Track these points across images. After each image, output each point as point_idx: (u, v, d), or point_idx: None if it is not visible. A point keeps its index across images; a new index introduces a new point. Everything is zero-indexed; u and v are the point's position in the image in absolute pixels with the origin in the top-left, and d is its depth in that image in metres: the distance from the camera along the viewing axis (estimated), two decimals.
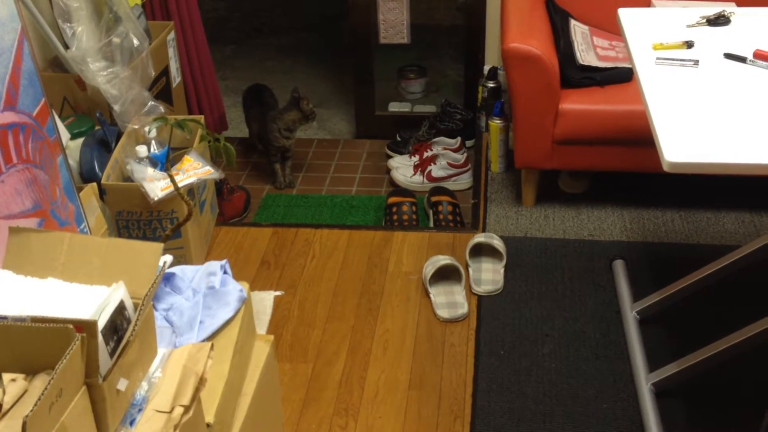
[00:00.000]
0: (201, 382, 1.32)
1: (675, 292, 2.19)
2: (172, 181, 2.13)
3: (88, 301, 1.24)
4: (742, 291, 2.27)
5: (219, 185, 2.86)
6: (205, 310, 1.69)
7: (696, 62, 1.82)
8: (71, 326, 1.09)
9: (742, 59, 1.82)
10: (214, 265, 1.77)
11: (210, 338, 1.66)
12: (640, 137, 2.41)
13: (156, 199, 2.24)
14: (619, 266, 2.43)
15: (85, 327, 1.11)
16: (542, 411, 2.02)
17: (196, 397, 1.30)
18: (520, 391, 2.08)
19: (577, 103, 2.56)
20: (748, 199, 2.72)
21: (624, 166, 2.64)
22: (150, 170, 2.32)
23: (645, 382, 2.02)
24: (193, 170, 2.33)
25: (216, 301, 1.70)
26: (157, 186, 2.26)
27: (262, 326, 2.31)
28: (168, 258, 1.71)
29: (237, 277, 2.48)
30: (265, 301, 2.40)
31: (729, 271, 2.15)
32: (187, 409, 1.27)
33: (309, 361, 2.20)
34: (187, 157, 2.38)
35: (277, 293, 2.44)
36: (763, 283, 2.28)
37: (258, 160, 3.27)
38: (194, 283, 1.76)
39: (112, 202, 2.32)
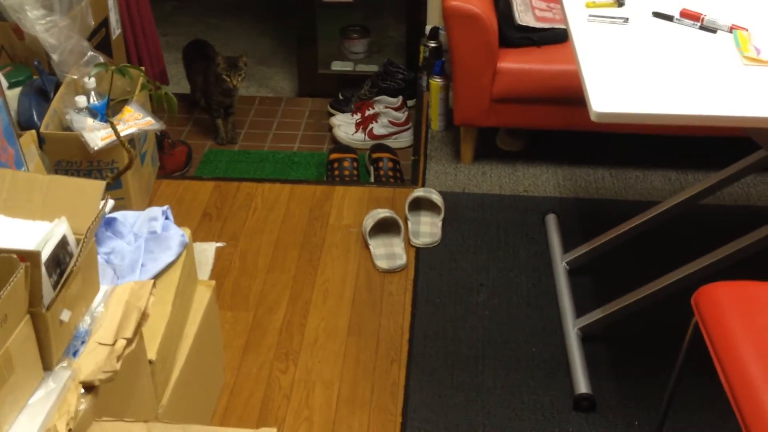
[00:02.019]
0: (143, 317, 1.35)
1: (602, 244, 2.29)
2: (113, 128, 2.14)
3: (31, 235, 1.26)
4: (663, 242, 2.39)
5: (160, 139, 2.86)
6: (146, 253, 1.72)
7: (626, 20, 1.90)
8: (15, 256, 1.12)
9: (669, 18, 1.90)
10: (156, 211, 1.80)
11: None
12: (575, 96, 2.48)
13: (96, 148, 2.25)
14: (551, 220, 2.52)
15: (29, 257, 1.13)
16: (475, 355, 2.10)
17: (138, 331, 1.34)
18: (454, 336, 2.16)
19: (514, 62, 2.62)
20: (674, 159, 2.84)
21: (559, 124, 2.72)
22: (90, 120, 2.32)
23: (572, 327, 2.12)
24: (134, 120, 2.34)
25: (158, 245, 1.73)
26: (97, 136, 2.26)
27: (203, 276, 2.34)
28: (109, 202, 1.73)
29: None
30: (206, 251, 2.43)
31: (652, 224, 2.26)
32: (129, 341, 1.30)
33: (250, 309, 2.25)
34: (127, 108, 2.38)
35: (219, 244, 2.47)
36: (683, 235, 2.40)
37: (200, 116, 3.27)
38: (136, 227, 1.79)
39: (52, 151, 2.31)
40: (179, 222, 2.54)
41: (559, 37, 2.68)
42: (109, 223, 1.76)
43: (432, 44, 3.17)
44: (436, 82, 2.99)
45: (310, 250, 2.46)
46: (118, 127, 2.30)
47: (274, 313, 2.24)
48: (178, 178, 2.80)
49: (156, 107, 2.47)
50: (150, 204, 2.63)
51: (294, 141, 3.18)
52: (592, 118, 1.59)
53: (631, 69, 1.73)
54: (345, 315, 2.23)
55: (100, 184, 1.36)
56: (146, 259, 1.71)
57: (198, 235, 2.50)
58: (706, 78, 1.69)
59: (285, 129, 3.25)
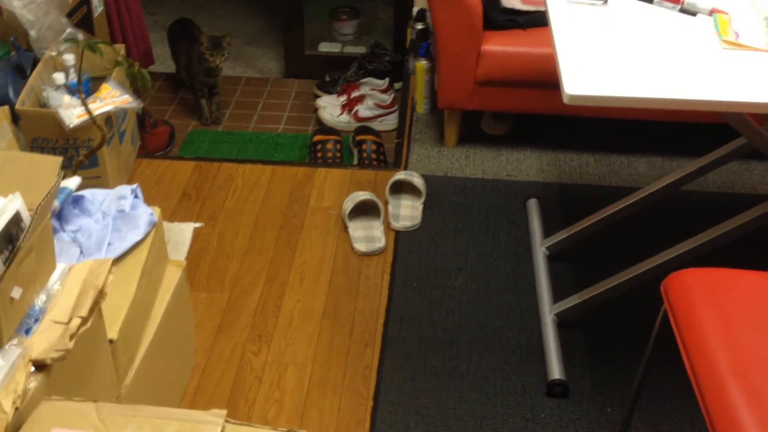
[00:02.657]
0: (100, 295, 1.33)
1: (582, 229, 2.27)
2: (84, 105, 2.11)
3: None
4: (644, 228, 2.37)
5: (141, 118, 2.83)
6: (114, 232, 1.70)
7: (605, 1, 1.87)
8: None
9: (649, 0, 1.87)
10: (125, 189, 1.78)
11: (118, 260, 1.67)
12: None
13: (71, 126, 2.22)
14: (532, 205, 2.49)
15: None
16: (450, 339, 2.08)
17: (94, 309, 1.32)
18: (430, 320, 2.14)
19: (498, 45, 2.59)
20: (660, 145, 2.81)
21: (543, 108, 2.69)
22: (66, 97, 2.29)
23: (548, 313, 2.10)
24: (111, 98, 2.31)
25: (125, 224, 1.71)
26: (72, 113, 2.24)
27: (180, 257, 2.32)
28: (76, 179, 1.71)
29: (158, 209, 2.50)
30: (184, 232, 2.41)
31: (633, 209, 2.24)
32: (84, 320, 1.28)
33: (225, 291, 2.23)
34: (105, 86, 2.35)
35: (197, 225, 2.45)
36: (665, 222, 2.38)
37: (185, 95, 3.24)
38: (104, 206, 1.77)
39: (27, 128, 2.29)
40: (158, 202, 2.53)
41: (544, 20, 2.62)
42: (77, 200, 1.74)
43: (419, 26, 3.13)
44: (422, 64, 2.96)
45: (288, 232, 2.44)
46: (95, 105, 2.28)
47: (250, 295, 2.22)
48: (159, 157, 2.77)
49: (133, 84, 2.43)
50: (129, 183, 2.60)
51: (279, 122, 3.15)
52: (565, 100, 1.57)
53: (608, 51, 1.70)
54: (321, 297, 2.21)
55: (57, 160, 1.33)
56: (113, 238, 1.69)
57: (176, 215, 2.48)
58: (683, 61, 1.66)
59: (270, 110, 3.22)
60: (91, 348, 1.38)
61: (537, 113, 2.76)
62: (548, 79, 2.55)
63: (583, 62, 1.64)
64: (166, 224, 2.41)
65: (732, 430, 1.21)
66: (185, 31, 3.19)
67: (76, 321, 1.28)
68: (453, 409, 1.91)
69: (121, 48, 2.53)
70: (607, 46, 1.72)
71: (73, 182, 1.70)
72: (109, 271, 1.37)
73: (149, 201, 2.52)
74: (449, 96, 2.70)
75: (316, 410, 1.91)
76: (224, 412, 1.15)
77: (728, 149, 2.12)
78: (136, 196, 1.78)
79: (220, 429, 1.13)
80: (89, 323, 1.29)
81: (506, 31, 2.64)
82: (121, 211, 1.74)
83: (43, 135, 2.29)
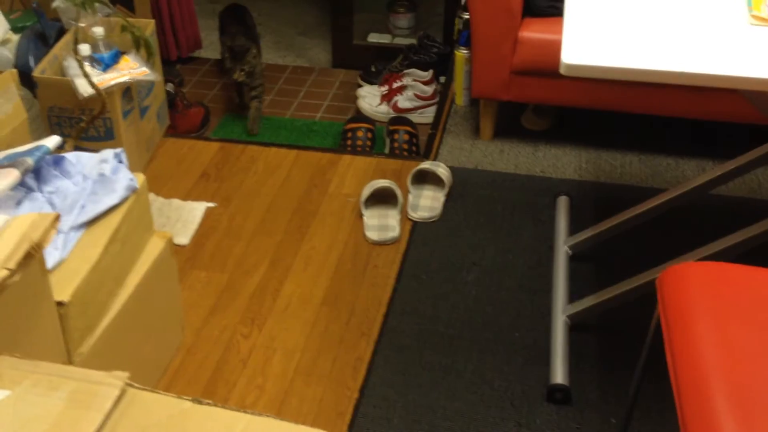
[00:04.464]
0: (36, 248, 1.27)
1: (606, 230, 2.10)
2: (81, 67, 2.08)
3: None
4: (670, 231, 2.18)
5: (172, 97, 2.80)
6: (90, 195, 1.64)
7: None
8: None
9: None
10: (108, 153, 1.73)
11: (89, 223, 1.61)
12: None
13: (86, 95, 2.20)
14: (562, 202, 2.33)
15: None
16: (450, 335, 1.95)
17: (26, 263, 1.25)
18: (433, 314, 2.01)
19: (537, 32, 2.45)
20: (712, 148, 2.60)
21: (584, 102, 2.53)
22: (86, 67, 2.27)
23: (561, 314, 1.94)
24: (129, 70, 2.28)
25: (102, 188, 1.66)
26: (88, 83, 2.21)
27: (187, 235, 2.27)
28: (55, 138, 1.67)
29: (174, 188, 2.47)
30: (195, 211, 2.35)
31: (660, 211, 2.06)
32: (11, 272, 1.22)
33: (226, 271, 2.16)
34: (125, 57, 2.33)
35: (210, 205, 2.39)
36: (692, 225, 2.19)
37: (228, 81, 3.19)
38: (86, 169, 1.71)
39: (44, 96, 2.28)
40: (176, 181, 2.50)
41: None
42: (58, 161, 1.69)
43: (466, 15, 3.00)
44: (462, 53, 2.83)
45: (301, 217, 2.35)
46: (111, 74, 2.25)
47: (250, 277, 2.14)
48: (185, 137, 2.73)
49: (137, 50, 2.38)
50: (151, 160, 2.57)
51: (318, 111, 3.08)
52: (561, 71, 1.44)
53: (617, 23, 1.54)
54: (323, 284, 2.11)
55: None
56: (88, 201, 1.63)
57: (191, 195, 2.43)
58: (703, 35, 1.49)
59: (311, 98, 3.15)
60: (29, 306, 1.32)
61: (578, 107, 2.59)
62: None
63: (589, 33, 1.50)
64: (177, 203, 2.37)
65: (706, 428, 1.05)
66: (236, 17, 3.13)
67: (3, 273, 1.21)
68: (442, 408, 1.77)
69: (149, 23, 2.50)
70: (623, 16, 1.56)
71: (51, 141, 1.66)
72: (51, 225, 1.30)
73: (167, 179, 2.50)
74: (484, 85, 2.57)
75: (297, 398, 1.81)
76: (126, 374, 1.06)
77: (757, 154, 1.92)
78: (120, 161, 1.72)
79: (118, 392, 1.04)
80: (17, 276, 1.23)
81: (547, 18, 2.49)
82: (102, 175, 1.68)
83: (59, 104, 2.27)
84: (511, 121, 2.76)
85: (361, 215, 2.34)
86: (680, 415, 1.11)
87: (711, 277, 1.28)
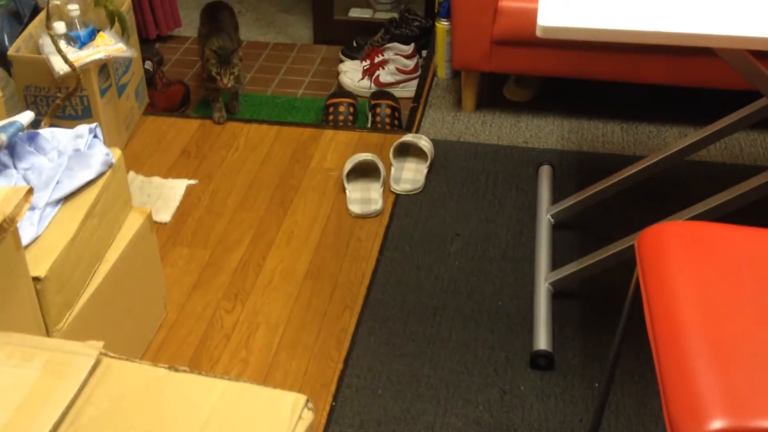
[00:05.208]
0: (8, 222, 1.25)
1: (588, 197, 2.10)
2: (54, 42, 2.05)
3: None
4: (651, 198, 2.19)
5: (151, 75, 2.78)
6: (66, 171, 1.63)
7: None
8: None
9: None
10: (83, 128, 1.71)
11: (65, 199, 1.60)
12: (583, 41, 2.29)
13: (61, 73, 2.17)
14: (544, 171, 2.33)
15: None
16: (434, 305, 1.95)
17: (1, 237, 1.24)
18: (417, 285, 2.01)
19: (517, 1, 2.43)
20: (694, 115, 2.60)
21: (566, 71, 2.52)
22: (63, 45, 2.24)
23: (543, 281, 1.94)
24: (104, 46, 2.25)
25: (78, 163, 1.64)
26: (63, 60, 2.18)
27: (168, 212, 2.25)
28: (28, 114, 1.65)
29: (154, 166, 2.45)
30: (176, 188, 2.34)
31: (644, 175, 2.05)
32: None
33: (208, 248, 2.14)
34: (101, 34, 2.30)
35: (191, 182, 2.37)
36: (674, 189, 2.19)
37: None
38: (62, 145, 1.70)
39: (20, 75, 2.26)
40: (156, 158, 2.49)
41: None
42: (33, 138, 1.67)
43: None
44: (443, 25, 2.81)
45: (284, 192, 2.34)
46: (87, 51, 2.22)
47: (233, 252, 2.13)
48: (165, 115, 2.71)
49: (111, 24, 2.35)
50: (130, 138, 2.55)
51: (299, 87, 3.06)
52: (538, 33, 1.42)
53: None
54: (306, 258, 2.10)
55: None
56: (63, 176, 1.61)
57: (172, 172, 2.41)
58: None
59: (292, 75, 3.13)
60: (4, 281, 1.31)
61: (559, 77, 2.58)
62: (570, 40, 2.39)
63: None
64: (158, 180, 2.36)
65: (684, 384, 1.05)
66: (217, 16, 2.80)
67: None
68: (426, 376, 1.77)
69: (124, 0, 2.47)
70: None
71: (24, 117, 1.64)
72: (24, 199, 1.29)
73: (147, 157, 2.49)
74: (465, 56, 2.55)
75: (282, 371, 1.80)
76: (101, 344, 1.05)
77: (738, 116, 1.92)
78: (95, 136, 1.71)
79: (93, 361, 1.03)
80: None
81: None
82: (77, 151, 1.67)
83: (35, 83, 2.25)
84: (494, 93, 2.75)
85: (343, 189, 2.33)
86: (659, 374, 1.11)
87: (689, 236, 1.27)
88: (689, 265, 1.23)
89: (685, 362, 1.09)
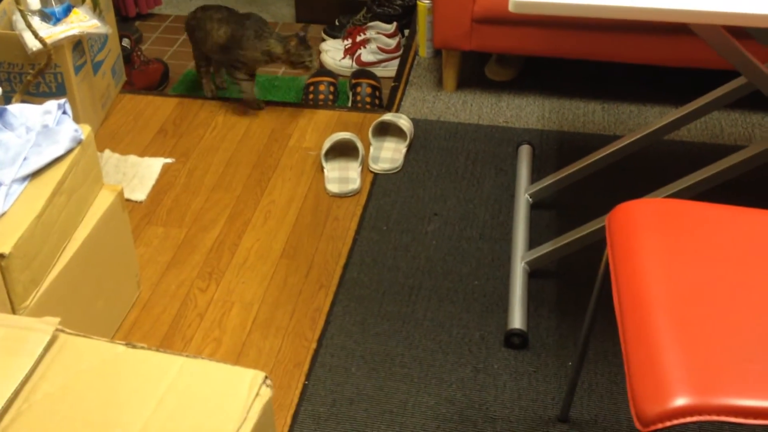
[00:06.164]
0: None
1: (566, 176, 2.09)
2: (25, 19, 2.02)
3: None
4: (634, 176, 2.17)
5: (128, 53, 2.74)
6: (34, 147, 1.60)
7: None
8: None
9: None
10: (51, 104, 1.68)
11: (33, 175, 1.57)
12: (566, 19, 2.28)
13: (34, 49, 2.14)
14: (524, 151, 2.31)
15: None
16: (410, 284, 1.94)
17: None
18: (393, 264, 2.00)
19: None
20: (674, 95, 2.58)
21: (548, 50, 2.50)
22: (36, 21, 2.21)
23: (520, 261, 1.93)
24: (78, 23, 2.22)
25: (46, 139, 1.62)
26: (34, 36, 2.15)
27: (144, 191, 2.23)
28: None
29: (130, 144, 2.42)
30: (152, 167, 2.31)
31: (621, 154, 2.04)
32: None
33: (184, 227, 2.13)
34: (75, 10, 2.26)
35: (167, 160, 2.35)
36: (653, 168, 2.18)
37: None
38: (30, 121, 1.67)
39: None
40: (132, 137, 2.46)
41: None
42: (0, 114, 1.65)
43: None
44: (424, 3, 2.79)
45: (262, 171, 2.32)
46: (61, 28, 2.19)
47: (208, 232, 2.11)
48: (142, 93, 2.68)
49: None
50: (107, 117, 2.53)
51: (280, 66, 3.02)
52: (510, 8, 1.40)
53: None
54: (282, 237, 2.09)
55: None
56: (31, 153, 1.59)
57: (148, 151, 2.39)
58: None
59: None
60: None
61: (542, 56, 2.56)
62: (554, 18, 2.37)
63: None
64: (134, 159, 2.33)
65: (649, 362, 1.04)
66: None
67: None
68: (400, 355, 1.76)
69: None
70: None
71: None
72: None
73: (123, 135, 2.46)
74: (445, 35, 2.53)
75: (255, 350, 1.79)
76: (57, 320, 1.03)
77: (715, 95, 1.90)
78: (64, 112, 1.68)
79: (49, 337, 1.02)
80: None
81: None
82: (45, 126, 1.64)
83: (8, 59, 2.22)
84: (475, 73, 2.73)
85: (322, 168, 2.31)
86: (624, 352, 1.10)
87: (659, 213, 1.26)
88: (658, 243, 1.22)
89: (649, 340, 1.08)
